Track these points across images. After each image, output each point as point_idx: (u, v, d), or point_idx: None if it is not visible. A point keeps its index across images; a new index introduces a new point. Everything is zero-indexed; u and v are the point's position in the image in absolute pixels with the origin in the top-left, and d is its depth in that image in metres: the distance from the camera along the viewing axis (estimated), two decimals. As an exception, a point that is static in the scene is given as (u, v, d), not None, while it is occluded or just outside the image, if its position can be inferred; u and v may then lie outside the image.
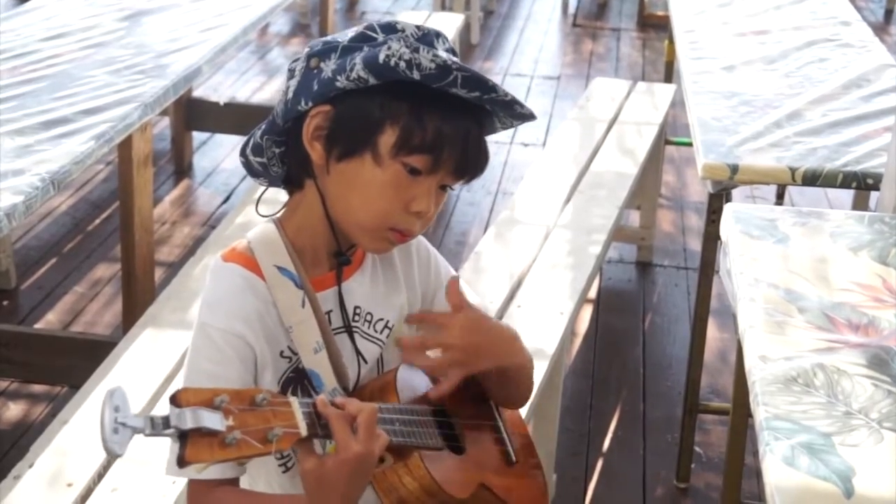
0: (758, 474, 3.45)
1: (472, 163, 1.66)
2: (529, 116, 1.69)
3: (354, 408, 1.51)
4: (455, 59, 1.61)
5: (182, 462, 1.33)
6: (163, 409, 2.11)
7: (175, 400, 1.36)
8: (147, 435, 1.33)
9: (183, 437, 1.34)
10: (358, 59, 1.59)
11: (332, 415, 1.49)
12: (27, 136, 3.08)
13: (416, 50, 1.57)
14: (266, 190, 1.79)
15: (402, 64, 1.56)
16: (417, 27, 1.63)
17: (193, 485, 1.64)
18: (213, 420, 1.35)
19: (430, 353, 1.76)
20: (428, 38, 1.63)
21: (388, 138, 1.60)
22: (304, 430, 1.44)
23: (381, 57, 1.57)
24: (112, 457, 1.29)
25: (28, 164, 2.90)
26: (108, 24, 4.07)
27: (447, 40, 1.66)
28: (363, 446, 1.49)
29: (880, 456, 1.71)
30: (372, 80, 1.59)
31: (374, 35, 1.63)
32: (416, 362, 1.72)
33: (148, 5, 4.34)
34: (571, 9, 9.13)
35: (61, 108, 3.27)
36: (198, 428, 1.34)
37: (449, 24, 6.05)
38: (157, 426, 1.33)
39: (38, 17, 4.10)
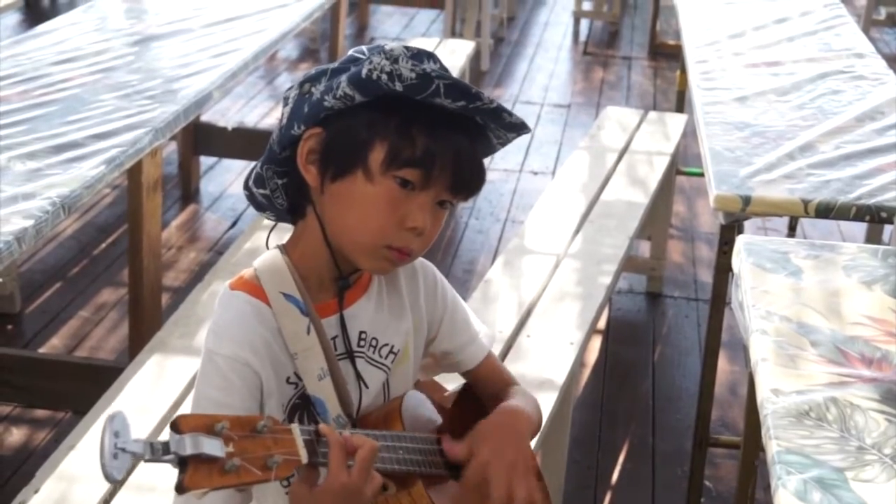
0: (768, 509, 3.43)
1: (466, 178, 1.66)
2: (521, 126, 1.70)
3: (358, 440, 1.51)
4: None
5: (181, 489, 1.33)
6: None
7: (175, 426, 1.36)
8: (147, 461, 1.33)
9: (182, 463, 1.34)
10: (343, 77, 1.61)
11: (333, 441, 1.48)
12: (38, 160, 3.07)
13: (396, 61, 1.58)
14: (276, 224, 1.80)
15: (384, 76, 1.58)
16: (407, 48, 1.63)
17: None
18: (212, 446, 1.35)
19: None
20: (418, 56, 1.63)
21: (377, 154, 1.61)
22: (304, 458, 1.44)
23: (364, 71, 1.59)
24: (111, 482, 1.29)
25: (38, 188, 2.89)
26: (119, 49, 4.08)
27: (438, 60, 1.66)
28: (354, 480, 1.49)
29: (893, 492, 1.69)
30: (358, 97, 1.60)
31: (361, 57, 1.65)
32: None
33: (158, 31, 4.34)
34: (582, 37, 9.16)
35: (72, 133, 3.26)
36: (197, 454, 1.33)
37: (459, 51, 6.06)
38: (157, 452, 1.33)
39: (48, 42, 4.11)
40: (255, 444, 1.39)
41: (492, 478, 1.70)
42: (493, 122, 1.69)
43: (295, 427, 1.46)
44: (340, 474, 1.48)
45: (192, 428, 1.35)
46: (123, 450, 1.30)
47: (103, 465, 1.29)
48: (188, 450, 1.33)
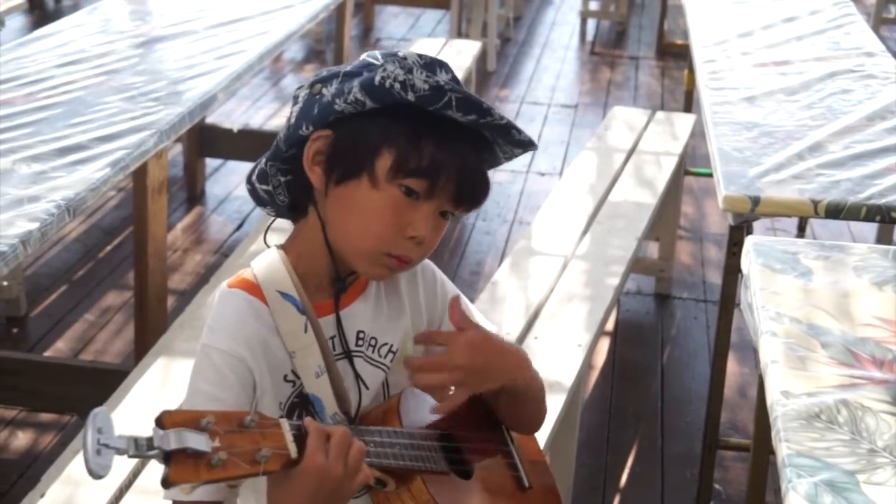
0: (778, 511, 3.41)
1: (470, 190, 1.67)
2: (529, 144, 1.71)
3: (332, 428, 1.51)
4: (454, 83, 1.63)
5: (166, 483, 1.33)
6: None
7: (159, 421, 1.35)
8: (131, 456, 1.33)
9: (167, 458, 1.33)
10: (356, 82, 1.62)
11: (312, 428, 1.48)
12: (42, 162, 3.06)
13: (410, 71, 1.59)
14: (274, 220, 1.80)
15: (397, 85, 1.59)
16: (420, 56, 1.64)
17: None
18: (198, 441, 1.34)
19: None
20: (430, 66, 1.64)
21: (384, 161, 1.62)
22: (293, 452, 1.44)
23: (377, 79, 1.60)
24: (95, 478, 1.29)
25: (43, 190, 2.88)
26: (123, 51, 4.07)
27: (450, 70, 1.67)
28: (329, 464, 1.48)
29: (906, 496, 1.68)
30: (369, 103, 1.62)
31: (375, 62, 1.66)
32: (422, 382, 1.69)
33: (163, 32, 4.33)
34: (589, 36, 9.14)
35: (76, 135, 3.26)
36: (182, 449, 1.33)
37: (465, 52, 6.05)
38: (141, 447, 1.32)
39: (52, 44, 4.10)
40: (242, 439, 1.39)
41: (456, 349, 1.69)
42: (501, 138, 1.70)
43: (283, 422, 1.46)
44: (316, 456, 1.47)
45: (177, 423, 1.35)
46: (107, 446, 1.29)
47: (87, 462, 1.28)
48: (172, 445, 1.33)
